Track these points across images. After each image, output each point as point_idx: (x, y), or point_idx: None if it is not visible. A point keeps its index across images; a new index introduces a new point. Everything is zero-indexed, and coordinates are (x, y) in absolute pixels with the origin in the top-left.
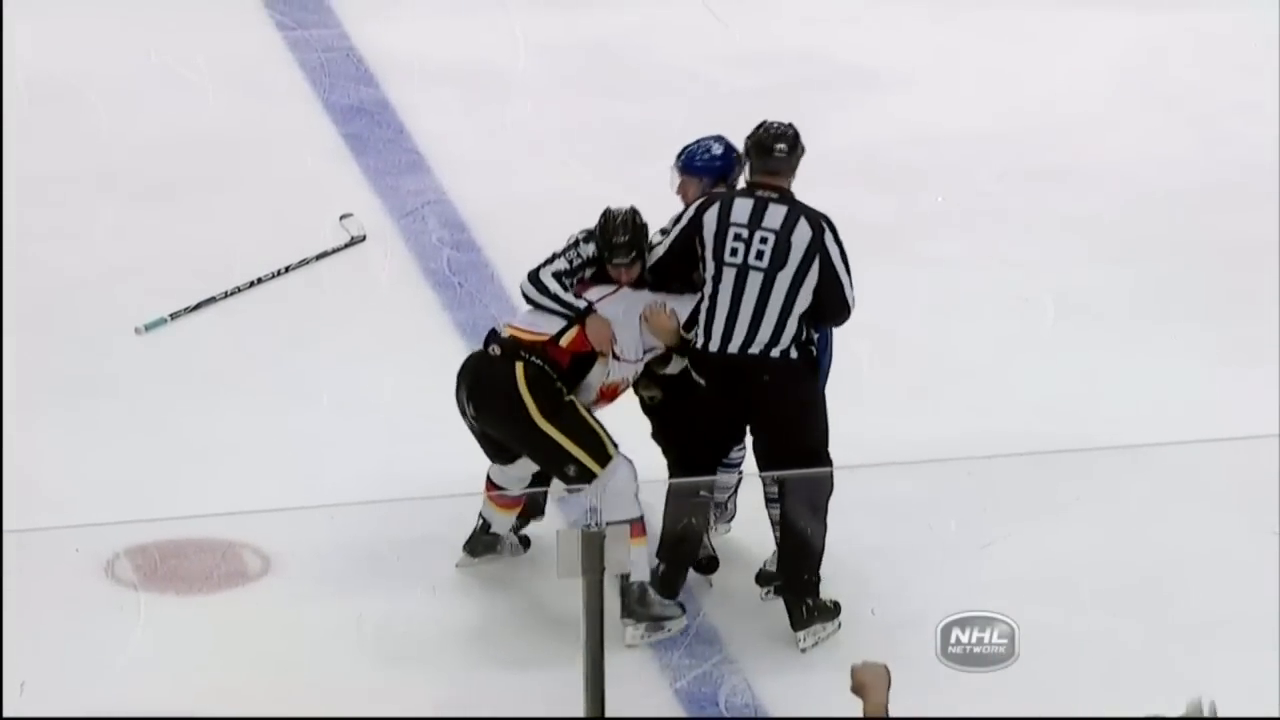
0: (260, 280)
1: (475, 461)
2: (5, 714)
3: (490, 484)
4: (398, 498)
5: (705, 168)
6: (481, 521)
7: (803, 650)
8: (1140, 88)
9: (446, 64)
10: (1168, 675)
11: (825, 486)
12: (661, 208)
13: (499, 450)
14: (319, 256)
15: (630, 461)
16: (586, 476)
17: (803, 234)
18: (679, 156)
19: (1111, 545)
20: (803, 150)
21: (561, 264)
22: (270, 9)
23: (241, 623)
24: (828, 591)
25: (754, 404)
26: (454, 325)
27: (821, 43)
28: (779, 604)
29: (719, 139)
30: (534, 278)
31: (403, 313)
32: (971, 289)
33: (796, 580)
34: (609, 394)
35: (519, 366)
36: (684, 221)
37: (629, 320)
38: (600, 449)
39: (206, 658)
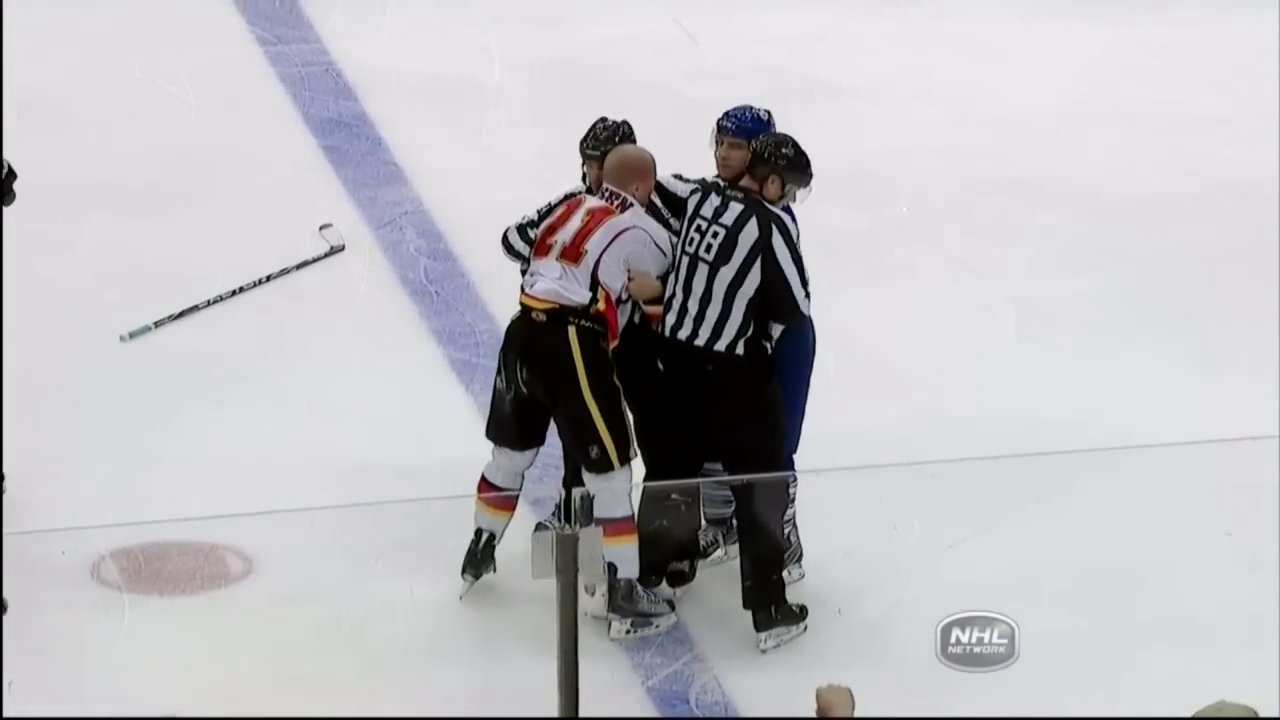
0: (242, 289)
1: (454, 466)
2: (5, 714)
3: (484, 484)
4: (377, 501)
5: (737, 128)
6: (479, 535)
7: (762, 651)
8: (1103, 100)
9: (424, 78)
10: (1128, 674)
11: (779, 491)
12: None
13: (522, 429)
14: (299, 266)
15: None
16: (604, 465)
17: (750, 233)
18: (721, 117)
19: (1072, 547)
20: (784, 159)
21: (531, 216)
22: (251, 24)
23: (224, 624)
24: (798, 594)
25: (698, 395)
26: (431, 333)
27: (791, 58)
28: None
29: (765, 110)
30: (504, 236)
31: (381, 320)
32: (937, 298)
33: (759, 584)
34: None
35: (571, 331)
36: (688, 197)
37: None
38: (626, 445)
39: (189, 659)
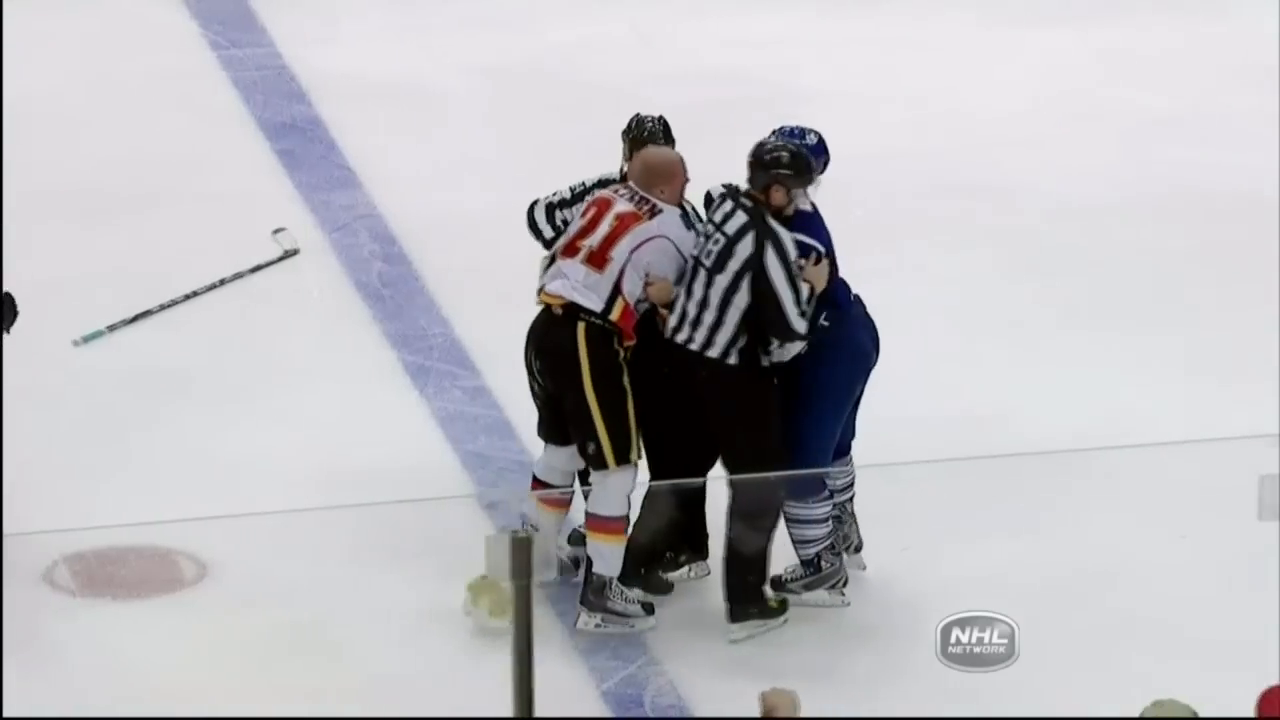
0: (196, 293)
1: (408, 470)
2: (5, 714)
3: (536, 483)
4: (331, 505)
5: None
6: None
7: (731, 642)
8: (1064, 105)
9: (378, 82)
10: (1087, 675)
11: (769, 495)
12: None
13: (555, 424)
14: (253, 269)
15: (637, 469)
16: (600, 461)
17: (744, 247)
18: (774, 132)
19: (1032, 549)
20: (779, 166)
21: (564, 194)
22: (205, 29)
23: (177, 627)
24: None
25: (694, 399)
26: (385, 336)
27: (749, 62)
28: (703, 604)
29: (816, 132)
30: (530, 208)
31: (335, 324)
32: (896, 301)
33: (740, 580)
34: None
35: (581, 327)
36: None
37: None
38: (625, 446)
39: (143, 662)
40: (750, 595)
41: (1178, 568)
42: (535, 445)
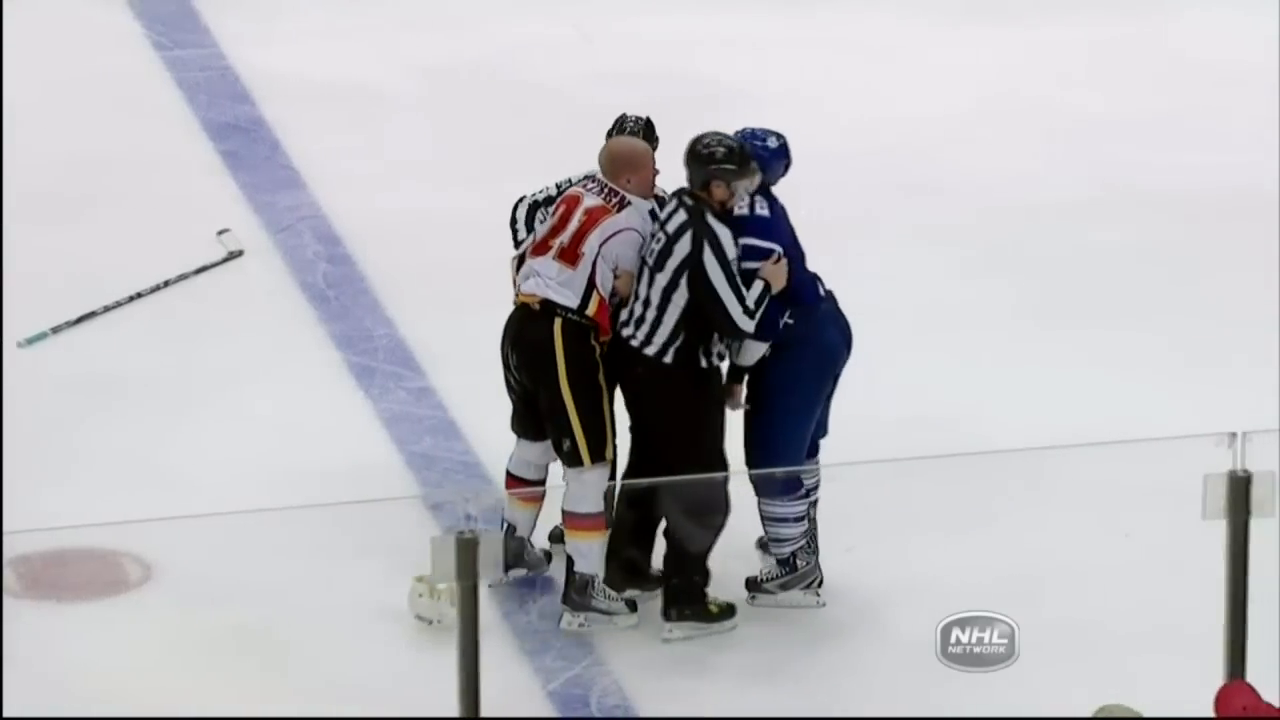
0: (140, 294)
1: (353, 470)
2: (5, 714)
3: (510, 479)
4: (276, 506)
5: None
6: (506, 526)
7: (664, 640)
8: (1003, 104)
9: (322, 82)
10: (1035, 675)
11: (713, 496)
12: None
13: (530, 419)
14: (197, 271)
15: (610, 466)
16: (574, 459)
17: (682, 246)
18: (736, 133)
19: (978, 549)
20: (718, 170)
21: (550, 190)
22: (148, 29)
23: (122, 630)
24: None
25: (632, 393)
26: (329, 337)
27: (694, 61)
28: (648, 605)
29: (778, 135)
30: (515, 205)
31: (279, 325)
32: (839, 301)
33: (679, 583)
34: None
35: (557, 323)
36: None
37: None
38: (601, 444)
39: (87, 665)
40: (688, 596)
41: (1124, 567)
42: (480, 445)
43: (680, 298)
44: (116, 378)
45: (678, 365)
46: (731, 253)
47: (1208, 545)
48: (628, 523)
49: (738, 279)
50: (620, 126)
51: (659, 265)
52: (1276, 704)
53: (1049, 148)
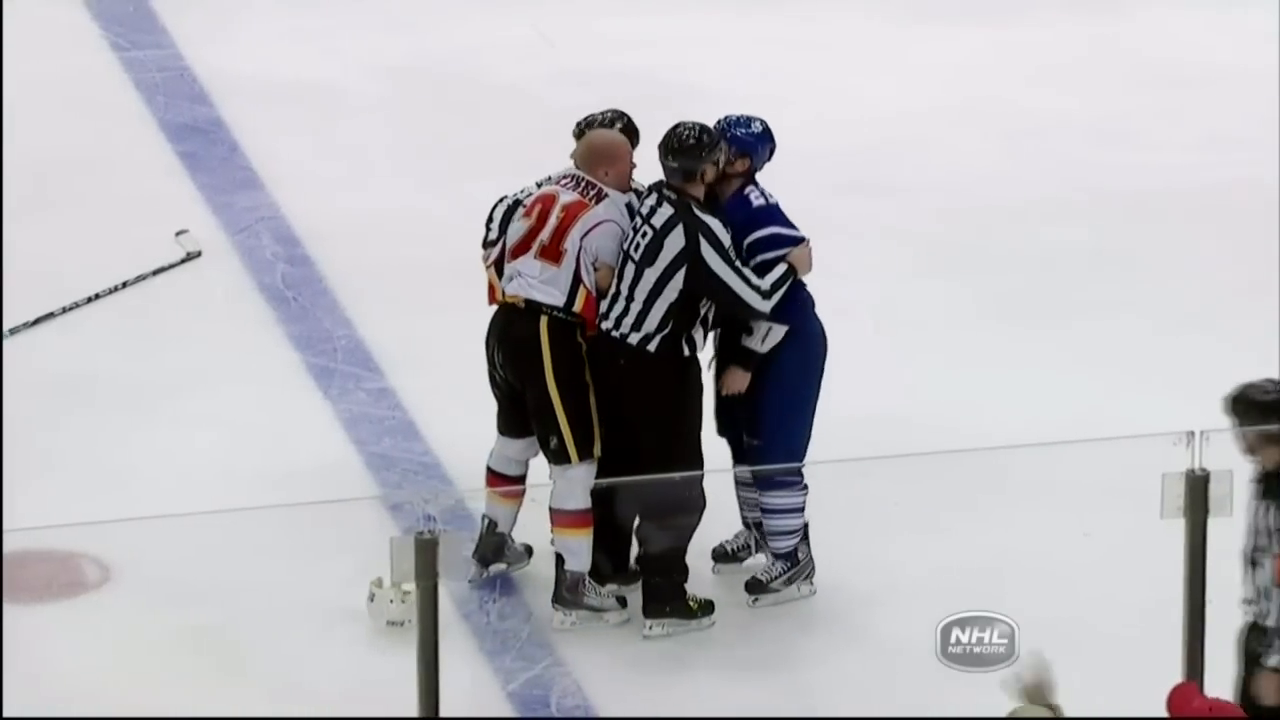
0: (98, 296)
1: (313, 471)
2: (5, 714)
3: (491, 475)
4: (235, 507)
5: (731, 137)
6: (486, 522)
7: (645, 636)
8: (964, 104)
9: (280, 83)
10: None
11: (689, 493)
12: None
13: (514, 417)
14: (155, 272)
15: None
16: (562, 456)
17: (675, 241)
18: (718, 122)
19: (936, 547)
20: (708, 154)
21: (531, 189)
22: (106, 30)
23: (81, 631)
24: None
25: (614, 386)
26: (289, 338)
27: (651, 61)
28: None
29: (760, 119)
30: (495, 204)
31: (238, 326)
32: None
33: (659, 581)
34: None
35: (543, 321)
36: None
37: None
38: (587, 441)
39: (45, 666)
40: (668, 594)
41: (1082, 566)
42: (440, 446)
43: (672, 291)
44: (74, 379)
45: (661, 355)
46: (726, 240)
47: (1166, 544)
48: (607, 517)
49: (738, 264)
50: (589, 123)
51: (648, 259)
52: (1232, 700)
53: (1010, 148)
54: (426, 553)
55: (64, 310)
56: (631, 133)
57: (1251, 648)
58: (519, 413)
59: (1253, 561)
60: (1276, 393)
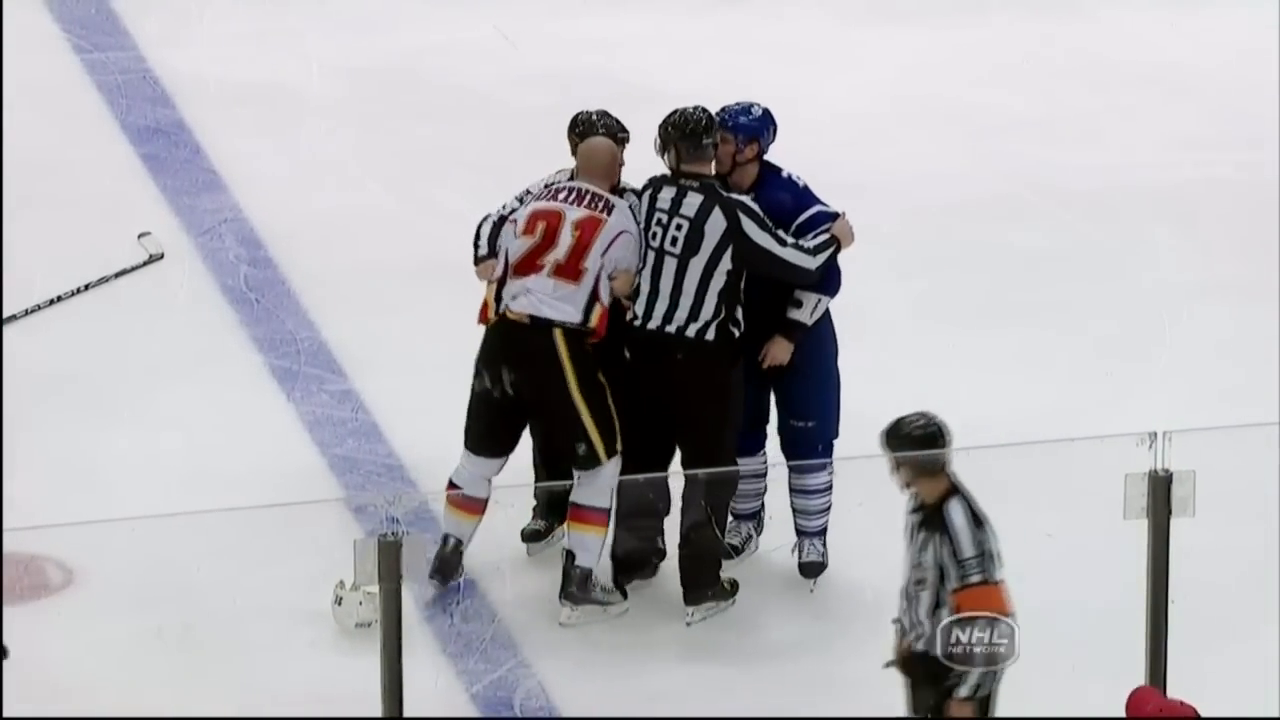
0: (60, 298)
1: (276, 474)
2: (5, 714)
3: (452, 488)
4: (198, 510)
5: (735, 125)
6: (445, 540)
7: (687, 624)
8: (919, 104)
9: (243, 85)
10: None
11: (731, 476)
12: (457, 226)
13: (501, 435)
14: (118, 274)
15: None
16: (592, 460)
17: (716, 224)
18: (718, 113)
19: (899, 548)
20: (715, 128)
21: (513, 204)
22: (67, 31)
23: (45, 634)
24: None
25: (666, 382)
26: (251, 340)
27: (612, 64)
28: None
29: (756, 103)
30: (480, 223)
31: (201, 328)
32: None
33: (698, 565)
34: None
35: (557, 333)
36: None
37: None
38: (613, 440)
39: (8, 669)
40: (710, 578)
41: (1045, 567)
42: (403, 448)
43: (721, 275)
44: (37, 382)
45: (720, 341)
46: (760, 211)
47: (1129, 545)
48: (638, 511)
49: (779, 233)
50: (590, 126)
51: (690, 249)
52: (1192, 702)
53: (968, 148)
54: (390, 555)
55: (26, 313)
56: (625, 133)
57: (928, 669)
58: (506, 431)
59: (909, 596)
60: (927, 426)
